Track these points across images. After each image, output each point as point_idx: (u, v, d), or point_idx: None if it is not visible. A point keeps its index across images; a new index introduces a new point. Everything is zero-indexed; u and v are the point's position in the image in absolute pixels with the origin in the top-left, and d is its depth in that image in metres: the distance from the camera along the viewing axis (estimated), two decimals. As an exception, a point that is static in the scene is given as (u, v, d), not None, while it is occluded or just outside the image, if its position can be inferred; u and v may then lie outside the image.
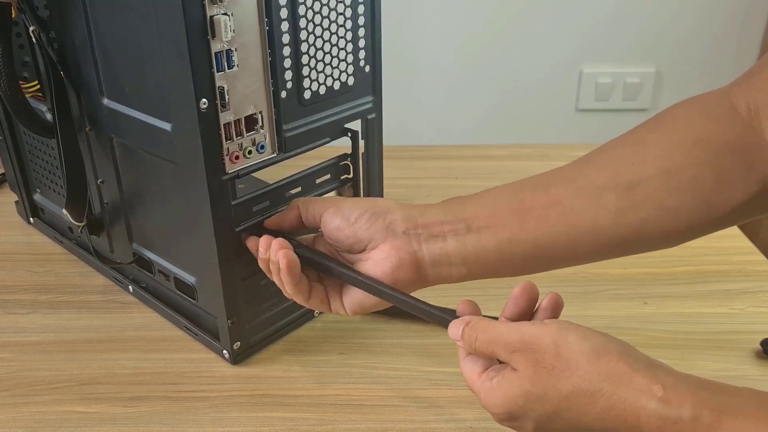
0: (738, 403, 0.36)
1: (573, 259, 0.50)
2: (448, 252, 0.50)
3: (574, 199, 0.48)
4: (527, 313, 0.46)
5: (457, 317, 0.47)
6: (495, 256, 0.49)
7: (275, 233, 0.56)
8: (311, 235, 0.57)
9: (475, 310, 0.47)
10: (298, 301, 0.54)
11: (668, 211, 0.46)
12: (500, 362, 0.44)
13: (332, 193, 0.65)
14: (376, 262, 0.51)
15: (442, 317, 0.47)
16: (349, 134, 0.62)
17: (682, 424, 0.36)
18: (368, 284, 0.51)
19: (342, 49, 0.58)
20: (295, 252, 0.53)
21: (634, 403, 0.37)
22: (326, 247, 0.55)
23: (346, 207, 0.53)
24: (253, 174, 0.57)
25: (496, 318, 0.47)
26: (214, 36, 0.49)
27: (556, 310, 0.46)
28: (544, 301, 0.46)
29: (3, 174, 0.92)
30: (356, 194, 0.66)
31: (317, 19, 0.55)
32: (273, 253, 0.52)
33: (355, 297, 0.53)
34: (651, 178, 0.46)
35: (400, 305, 0.50)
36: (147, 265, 0.68)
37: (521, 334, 0.41)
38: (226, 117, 0.52)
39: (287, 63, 0.54)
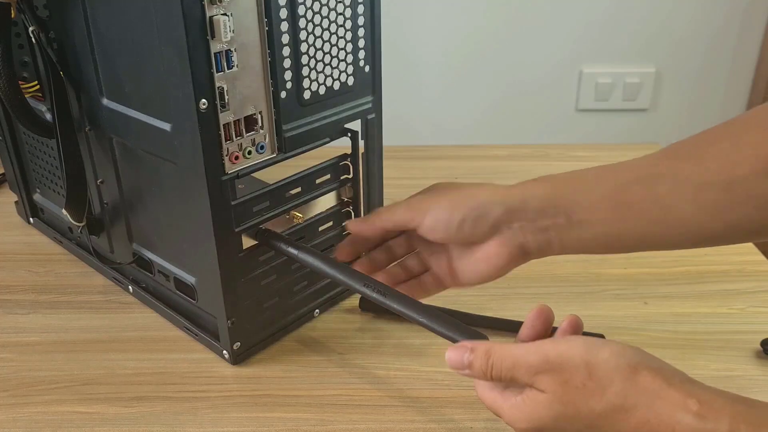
0: None
1: (664, 247, 0.51)
2: (551, 243, 0.51)
3: (674, 196, 0.48)
4: (543, 336, 0.46)
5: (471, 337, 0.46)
6: (592, 245, 0.51)
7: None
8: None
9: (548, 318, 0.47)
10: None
11: (762, 209, 0.46)
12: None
13: (331, 196, 0.65)
14: (487, 258, 0.52)
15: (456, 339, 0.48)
16: (349, 134, 0.62)
17: None
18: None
19: (342, 49, 0.58)
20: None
21: (670, 417, 0.37)
22: (421, 240, 0.56)
23: (443, 213, 0.52)
24: (253, 174, 0.57)
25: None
26: (213, 36, 0.49)
27: (576, 332, 0.46)
28: (564, 324, 0.46)
29: (3, 174, 0.92)
30: (356, 195, 0.66)
31: (317, 19, 0.55)
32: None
33: (468, 272, 0.54)
34: (748, 177, 0.46)
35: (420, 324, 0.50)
36: (147, 265, 0.68)
37: (544, 355, 0.41)
38: (225, 117, 0.52)
39: (287, 63, 0.54)
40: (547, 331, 0.46)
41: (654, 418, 0.37)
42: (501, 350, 0.43)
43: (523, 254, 0.52)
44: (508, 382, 0.43)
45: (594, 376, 0.39)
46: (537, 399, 0.41)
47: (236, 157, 0.54)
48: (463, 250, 0.54)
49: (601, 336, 0.64)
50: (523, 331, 0.46)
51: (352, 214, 0.66)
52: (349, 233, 0.59)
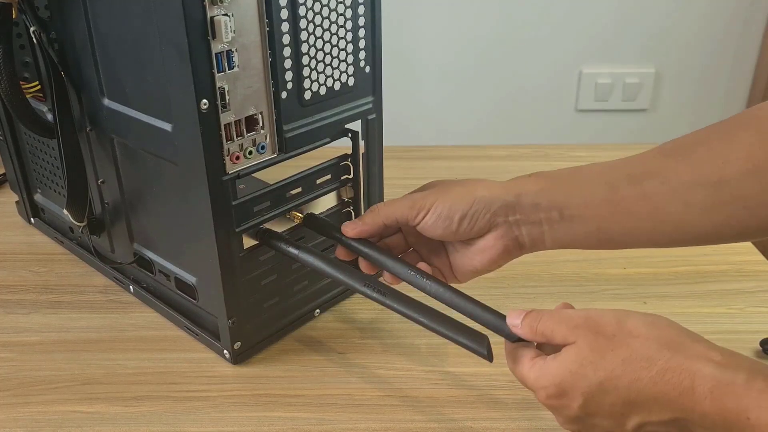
0: None
1: (653, 244, 0.52)
2: (543, 236, 0.53)
3: (663, 194, 0.49)
4: None
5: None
6: (583, 240, 0.52)
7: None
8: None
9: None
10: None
11: (753, 209, 0.47)
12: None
13: (332, 196, 0.65)
14: (483, 251, 0.54)
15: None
16: (350, 134, 0.62)
17: (735, 386, 0.38)
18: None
19: (342, 49, 0.58)
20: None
21: (691, 366, 0.39)
22: (419, 236, 0.57)
23: (444, 210, 0.53)
24: (254, 174, 0.57)
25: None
26: (214, 37, 0.49)
27: None
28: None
29: (4, 174, 0.93)
30: (356, 195, 0.66)
31: (317, 19, 0.55)
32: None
33: (463, 266, 0.56)
34: (738, 177, 0.47)
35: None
36: (147, 265, 0.68)
37: (586, 313, 0.44)
38: (226, 117, 0.52)
39: (288, 63, 0.55)
40: None
41: (676, 366, 0.39)
42: (550, 311, 0.46)
43: (517, 247, 0.53)
44: (549, 338, 0.45)
45: (623, 328, 0.42)
46: (567, 350, 0.43)
47: (237, 157, 0.54)
48: (460, 245, 0.56)
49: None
50: None
51: (353, 214, 0.67)
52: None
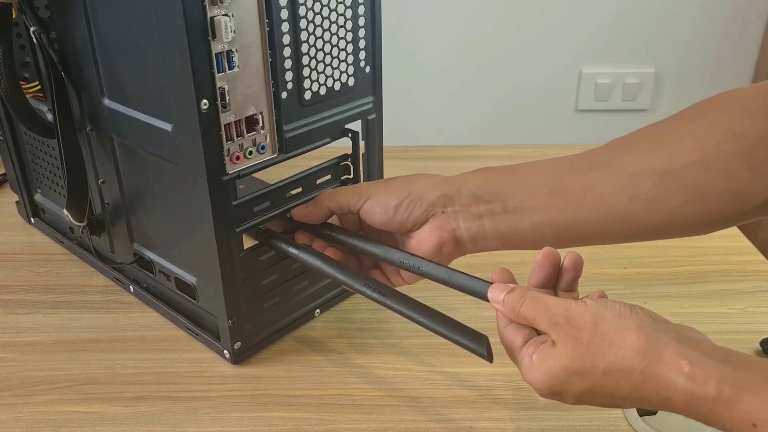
0: (759, 379, 0.37)
1: (603, 239, 0.51)
2: (485, 230, 0.52)
3: (609, 184, 0.49)
4: (552, 277, 0.47)
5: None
6: (529, 234, 0.51)
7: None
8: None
9: (510, 278, 0.48)
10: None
11: (701, 200, 0.47)
12: (538, 333, 0.45)
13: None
14: (420, 241, 0.54)
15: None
16: (350, 135, 0.62)
17: (706, 400, 0.38)
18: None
19: (342, 49, 0.58)
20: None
21: (664, 377, 0.39)
22: (373, 230, 0.57)
23: (380, 200, 0.54)
24: (254, 174, 0.57)
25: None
26: (214, 37, 0.49)
27: (577, 269, 0.47)
28: (564, 262, 0.47)
29: (4, 174, 0.93)
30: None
31: (317, 19, 0.55)
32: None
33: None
34: (685, 167, 0.47)
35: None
36: (148, 265, 0.68)
37: (565, 309, 0.43)
38: (226, 117, 0.52)
39: (288, 63, 0.55)
40: (555, 272, 0.47)
41: (651, 378, 0.39)
42: (533, 294, 0.45)
43: (454, 241, 0.53)
44: (530, 323, 0.44)
45: (597, 335, 0.41)
46: (550, 353, 0.42)
47: (237, 158, 0.54)
48: (402, 239, 0.56)
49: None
50: (534, 275, 0.47)
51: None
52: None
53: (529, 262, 0.47)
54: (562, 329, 0.42)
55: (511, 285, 0.47)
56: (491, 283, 0.48)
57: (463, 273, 0.51)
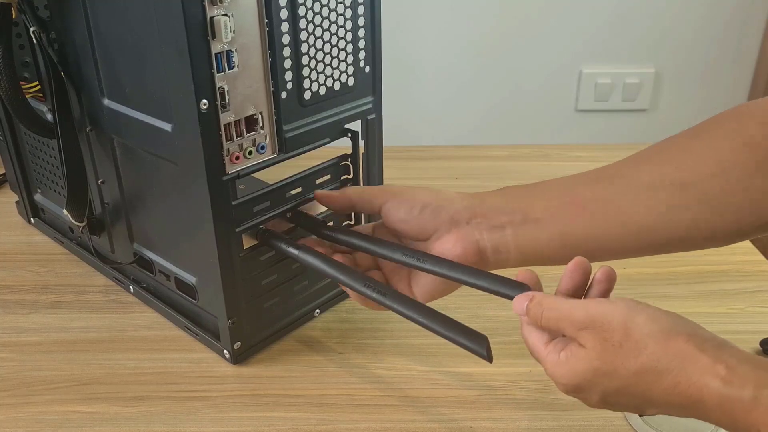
0: None
1: (622, 253, 0.51)
2: (507, 241, 0.52)
3: (626, 196, 0.49)
4: (582, 286, 0.47)
5: (522, 290, 0.47)
6: (548, 246, 0.51)
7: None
8: (370, 225, 0.59)
9: (535, 279, 0.48)
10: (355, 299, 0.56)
11: (718, 212, 0.47)
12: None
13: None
14: (442, 252, 0.53)
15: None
16: (349, 134, 0.62)
17: (742, 403, 0.37)
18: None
19: (342, 49, 0.58)
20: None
21: (698, 381, 0.38)
22: (387, 235, 0.56)
23: (408, 198, 0.54)
24: (254, 174, 0.57)
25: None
26: (214, 37, 0.49)
27: (610, 282, 0.46)
28: (597, 274, 0.47)
29: (3, 174, 0.93)
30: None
31: (317, 19, 0.55)
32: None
33: (425, 285, 0.55)
34: (702, 179, 0.47)
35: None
36: (148, 265, 0.68)
37: (588, 312, 0.42)
38: (226, 117, 0.52)
39: (287, 63, 0.55)
40: (585, 281, 0.47)
41: (684, 381, 0.39)
42: (551, 302, 0.44)
43: (477, 253, 0.52)
44: (555, 331, 0.44)
45: (630, 338, 0.41)
46: (578, 354, 0.42)
47: (237, 157, 0.54)
48: (420, 245, 0.55)
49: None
50: (564, 282, 0.47)
51: (353, 214, 0.67)
52: (314, 239, 0.60)
53: (551, 275, 0.47)
54: (589, 332, 0.42)
55: (530, 293, 0.46)
56: (518, 283, 0.48)
57: (488, 274, 0.50)
